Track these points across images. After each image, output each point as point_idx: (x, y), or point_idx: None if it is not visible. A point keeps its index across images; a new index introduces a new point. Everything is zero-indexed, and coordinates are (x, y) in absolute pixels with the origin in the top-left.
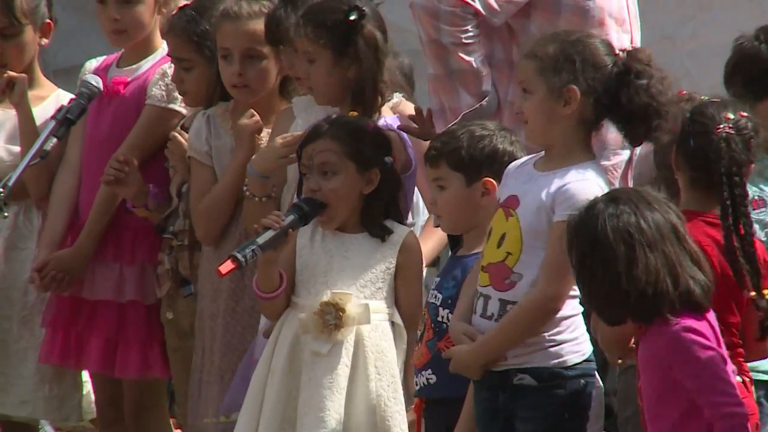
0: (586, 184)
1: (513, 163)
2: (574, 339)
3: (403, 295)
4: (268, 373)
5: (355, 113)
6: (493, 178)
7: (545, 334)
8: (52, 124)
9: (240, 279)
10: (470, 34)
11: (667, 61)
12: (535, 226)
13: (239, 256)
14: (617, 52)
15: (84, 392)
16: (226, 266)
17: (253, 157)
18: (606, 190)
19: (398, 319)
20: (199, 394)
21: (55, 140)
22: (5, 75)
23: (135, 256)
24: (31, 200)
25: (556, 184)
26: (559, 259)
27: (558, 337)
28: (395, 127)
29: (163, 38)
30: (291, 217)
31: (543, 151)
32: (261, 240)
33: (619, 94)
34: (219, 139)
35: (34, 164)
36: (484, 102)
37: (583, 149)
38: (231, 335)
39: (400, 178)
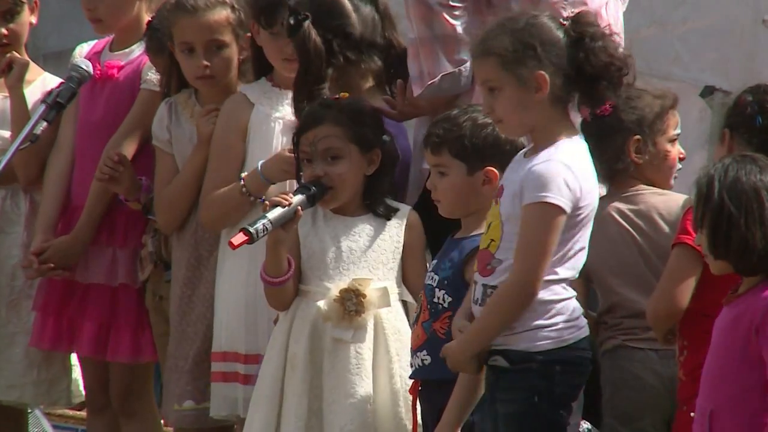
0: (549, 164)
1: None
2: (550, 325)
3: (411, 273)
4: (284, 365)
5: (346, 95)
6: (495, 167)
7: (522, 318)
8: (42, 107)
9: (196, 268)
10: None
11: (657, 45)
12: (511, 212)
13: (251, 229)
14: (563, 22)
15: (73, 376)
16: (238, 238)
17: (266, 160)
18: (577, 164)
19: (409, 298)
20: (170, 381)
21: (45, 124)
22: (8, 55)
23: (127, 239)
24: (18, 184)
25: (526, 167)
26: (531, 242)
27: (533, 322)
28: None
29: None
30: (300, 197)
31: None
32: (271, 215)
33: (580, 62)
34: (179, 126)
35: (24, 148)
36: (463, 68)
37: (563, 128)
38: (186, 323)
39: (398, 155)
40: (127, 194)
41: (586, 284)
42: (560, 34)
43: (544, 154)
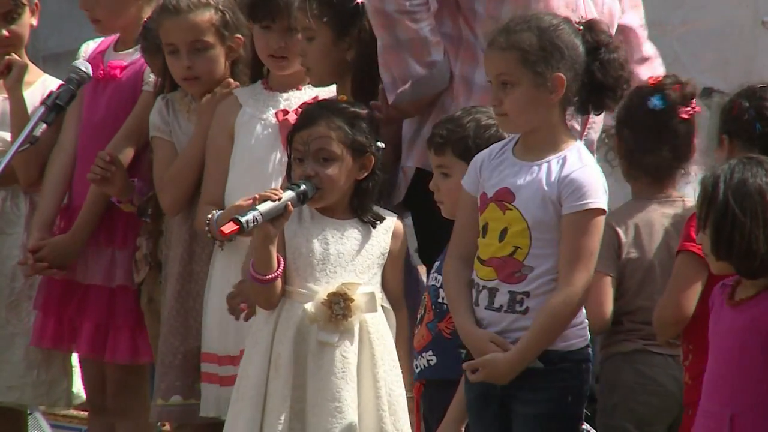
0: (587, 170)
1: (482, 154)
2: (580, 323)
3: (390, 279)
4: (268, 366)
5: (345, 97)
6: None
7: None
8: (42, 109)
9: (188, 263)
10: (416, 1)
11: (656, 46)
12: (542, 218)
13: (242, 219)
14: (579, 27)
15: (75, 378)
16: (229, 227)
17: (222, 212)
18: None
19: (387, 303)
20: (156, 376)
21: (44, 126)
22: (6, 57)
23: (126, 241)
24: (18, 186)
25: (555, 173)
26: (581, 250)
27: None
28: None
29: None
30: (290, 193)
31: (513, 138)
32: (262, 208)
33: (594, 70)
34: (176, 123)
35: (23, 150)
36: (435, 70)
37: (565, 130)
38: (174, 319)
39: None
40: (119, 195)
41: (618, 283)
42: (578, 41)
43: (573, 161)
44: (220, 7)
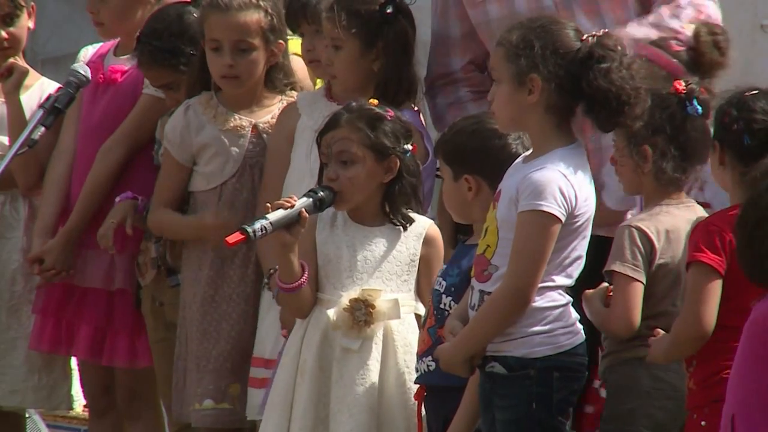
0: (544, 172)
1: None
2: (547, 331)
3: (424, 287)
4: (296, 371)
5: (375, 101)
6: (479, 176)
7: (518, 325)
8: (40, 113)
9: (220, 267)
10: None
11: None
12: (507, 218)
13: (248, 228)
14: (586, 37)
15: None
16: (234, 237)
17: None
18: (573, 173)
19: (422, 311)
20: (184, 383)
21: (42, 129)
22: (9, 60)
23: (126, 244)
24: (17, 190)
25: (522, 174)
26: (525, 249)
27: (530, 329)
28: (412, 120)
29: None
30: (304, 200)
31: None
32: (272, 217)
33: (579, 79)
34: (202, 130)
35: (22, 153)
36: None
37: (558, 136)
38: (207, 323)
39: (419, 166)
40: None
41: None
42: (575, 46)
43: (539, 162)
44: (270, 10)
